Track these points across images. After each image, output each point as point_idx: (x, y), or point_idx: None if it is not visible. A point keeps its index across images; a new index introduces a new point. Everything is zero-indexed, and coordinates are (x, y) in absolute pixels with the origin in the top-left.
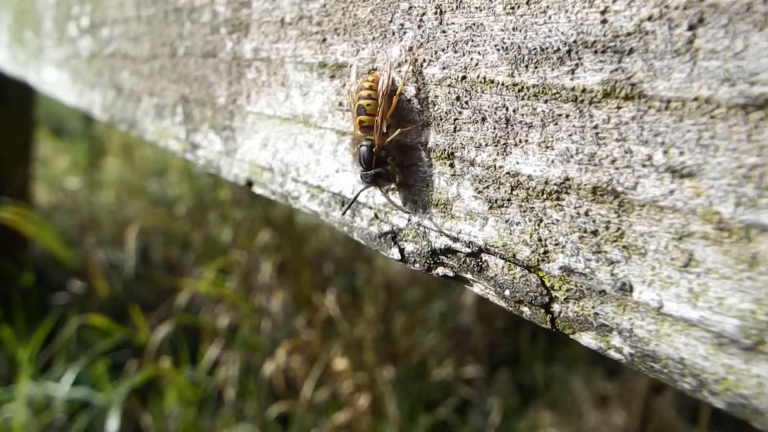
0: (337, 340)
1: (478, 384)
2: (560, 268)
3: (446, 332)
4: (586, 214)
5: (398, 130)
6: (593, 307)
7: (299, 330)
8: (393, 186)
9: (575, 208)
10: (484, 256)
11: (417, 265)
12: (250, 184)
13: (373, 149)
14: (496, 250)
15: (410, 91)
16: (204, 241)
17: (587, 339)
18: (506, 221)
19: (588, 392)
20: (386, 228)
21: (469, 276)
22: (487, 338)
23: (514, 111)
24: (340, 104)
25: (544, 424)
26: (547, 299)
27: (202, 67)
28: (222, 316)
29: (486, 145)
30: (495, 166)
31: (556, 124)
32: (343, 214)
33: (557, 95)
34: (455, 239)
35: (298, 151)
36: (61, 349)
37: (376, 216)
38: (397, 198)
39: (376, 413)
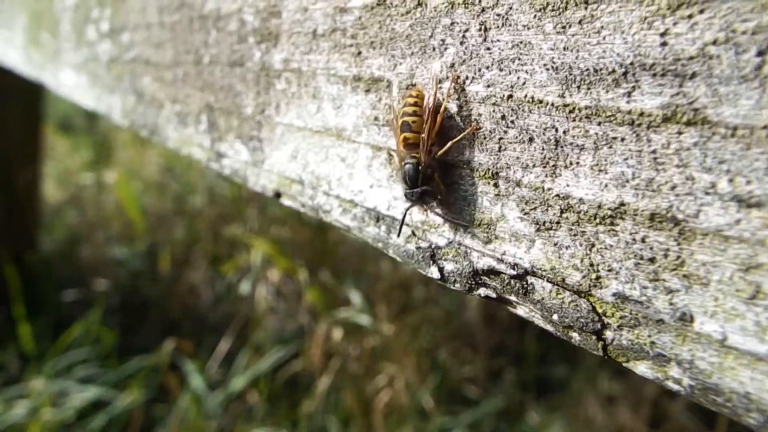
0: (355, 338)
1: (482, 383)
2: (614, 294)
3: (452, 331)
4: (643, 240)
5: (448, 144)
6: (649, 336)
7: (312, 330)
8: (433, 203)
9: (631, 234)
10: (530, 279)
11: (457, 285)
12: (278, 195)
13: (419, 167)
14: (544, 273)
15: (452, 108)
16: (214, 238)
17: (643, 368)
18: (555, 244)
19: (594, 393)
20: (424, 246)
21: (513, 298)
22: (492, 337)
23: (564, 132)
24: (376, 119)
25: (550, 424)
26: (599, 326)
27: (228, 76)
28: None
29: (533, 165)
30: (543, 188)
31: (611, 147)
32: (398, 235)
33: (612, 118)
34: (499, 260)
35: (330, 164)
36: (75, 347)
37: (413, 233)
38: (437, 216)
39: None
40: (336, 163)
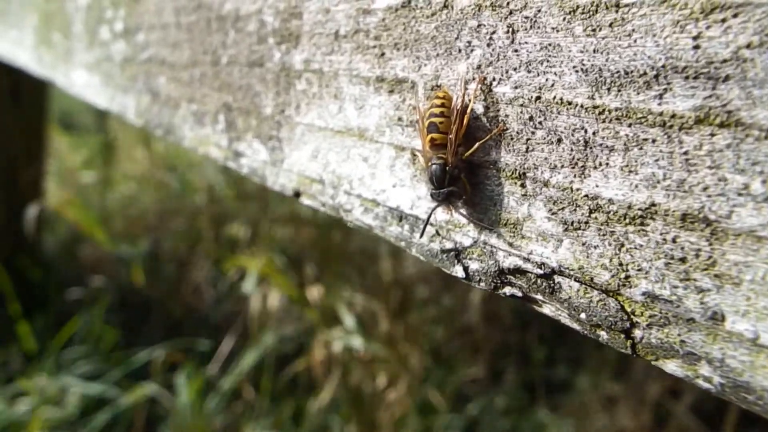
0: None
1: (484, 383)
2: (643, 293)
3: (454, 330)
4: (674, 240)
5: (475, 145)
6: (679, 335)
7: (315, 327)
8: (458, 203)
9: (661, 234)
10: (557, 278)
11: (482, 284)
12: (297, 194)
13: (447, 167)
14: (571, 272)
15: (478, 109)
16: (216, 237)
17: (672, 366)
18: (583, 244)
19: (596, 393)
20: (449, 245)
21: (539, 297)
22: (494, 337)
23: (593, 133)
24: (399, 119)
25: (552, 425)
26: (628, 325)
27: (247, 77)
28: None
29: (562, 166)
30: (572, 188)
31: (641, 148)
32: (421, 236)
33: (643, 119)
34: (526, 259)
35: (351, 164)
36: (77, 344)
37: (437, 233)
38: (461, 216)
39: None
40: (358, 163)
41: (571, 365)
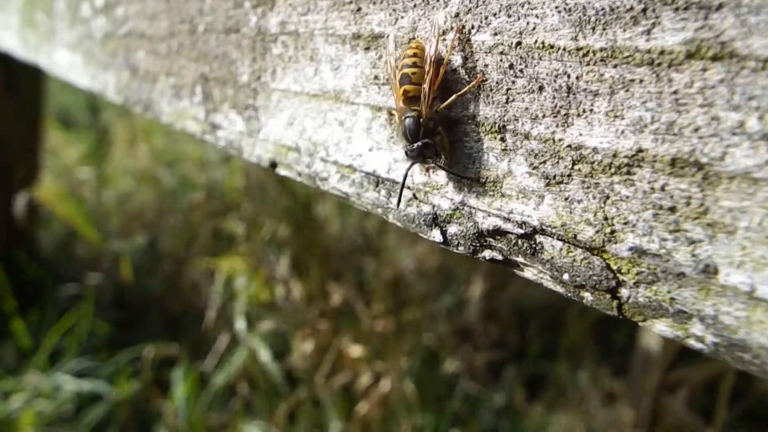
0: (348, 333)
1: (484, 379)
2: (630, 249)
3: (453, 327)
4: (663, 189)
5: (452, 97)
6: (669, 292)
7: (312, 321)
8: (436, 160)
9: (649, 182)
10: (539, 238)
11: (461, 248)
12: (274, 165)
13: (420, 120)
14: (554, 230)
15: (456, 60)
16: (213, 233)
17: (661, 327)
18: (566, 199)
19: (595, 389)
20: (426, 209)
21: (520, 259)
22: (493, 334)
23: (577, 78)
24: (376, 78)
25: (551, 421)
26: (613, 283)
27: (223, 44)
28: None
29: (543, 116)
30: (554, 139)
31: (628, 90)
32: (398, 205)
33: (629, 59)
34: (506, 219)
35: (327, 129)
36: (72, 341)
37: (414, 196)
38: (440, 175)
39: (385, 407)
40: (334, 128)
41: (571, 362)
